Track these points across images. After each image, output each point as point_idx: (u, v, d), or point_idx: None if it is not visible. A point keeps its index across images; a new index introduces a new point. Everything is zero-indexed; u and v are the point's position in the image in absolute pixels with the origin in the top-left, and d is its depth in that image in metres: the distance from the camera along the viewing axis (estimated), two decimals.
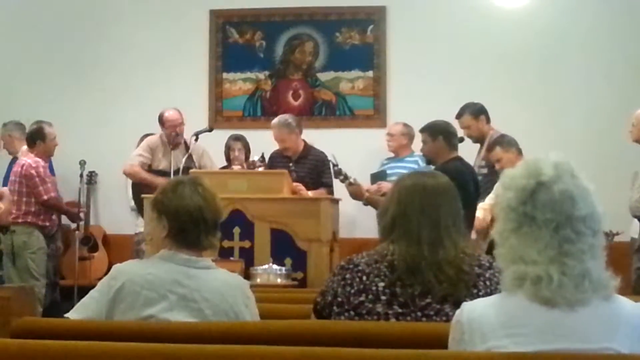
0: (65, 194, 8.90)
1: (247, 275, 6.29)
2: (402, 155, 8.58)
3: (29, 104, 9.33)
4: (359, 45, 9.57)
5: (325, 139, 8.70)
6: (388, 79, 9.47)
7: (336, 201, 7.52)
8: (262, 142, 8.08)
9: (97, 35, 9.77)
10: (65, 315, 3.38)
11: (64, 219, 8.76)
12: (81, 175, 9.06)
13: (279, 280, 6.52)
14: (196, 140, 8.12)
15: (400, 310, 3.10)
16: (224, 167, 8.57)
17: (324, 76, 9.61)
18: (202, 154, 8.35)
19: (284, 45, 9.68)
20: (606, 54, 9.05)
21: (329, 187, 7.84)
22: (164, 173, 7.97)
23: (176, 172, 7.82)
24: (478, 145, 8.05)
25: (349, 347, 2.59)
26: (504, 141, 7.28)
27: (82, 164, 9.18)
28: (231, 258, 6.70)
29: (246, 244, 6.88)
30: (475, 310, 2.43)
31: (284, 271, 6.59)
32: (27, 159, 7.94)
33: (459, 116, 7.97)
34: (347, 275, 3.20)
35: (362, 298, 3.14)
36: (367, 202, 7.27)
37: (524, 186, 2.39)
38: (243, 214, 6.89)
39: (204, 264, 3.45)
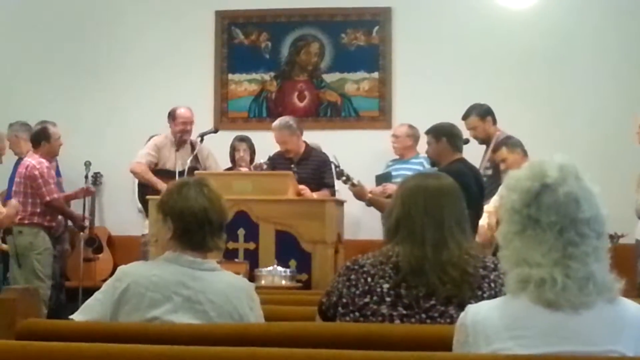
0: None
1: (251, 277, 6.29)
2: (407, 156, 8.57)
3: (33, 105, 9.34)
4: (365, 46, 9.57)
5: (330, 140, 8.71)
6: (393, 80, 9.47)
7: (341, 203, 7.51)
8: (267, 143, 8.08)
9: (102, 36, 9.78)
10: (70, 317, 3.38)
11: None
12: (86, 177, 9.06)
13: (283, 282, 6.51)
14: (201, 141, 8.14)
15: (404, 312, 3.10)
16: (228, 168, 8.58)
17: (329, 77, 9.61)
18: (208, 155, 8.38)
19: (290, 46, 9.69)
20: (612, 55, 9.04)
21: (331, 188, 7.84)
22: (169, 172, 7.98)
23: (181, 172, 7.83)
24: (484, 146, 8.04)
25: (353, 349, 2.59)
26: (509, 142, 7.28)
27: (87, 165, 9.19)
28: (236, 260, 6.69)
29: (251, 245, 6.88)
30: (479, 313, 2.42)
31: (288, 273, 6.58)
32: (31, 159, 7.93)
33: (465, 117, 7.97)
34: (352, 276, 3.21)
35: (367, 299, 3.14)
36: (370, 203, 7.28)
37: (528, 188, 2.39)
38: (248, 216, 6.89)
39: (209, 265, 3.45)
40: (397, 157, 8.69)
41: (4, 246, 7.95)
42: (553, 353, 2.30)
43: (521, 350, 2.32)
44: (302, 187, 7.42)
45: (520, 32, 9.19)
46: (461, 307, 2.72)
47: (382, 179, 8.32)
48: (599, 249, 2.37)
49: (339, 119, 9.57)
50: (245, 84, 9.72)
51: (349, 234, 7.97)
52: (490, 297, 2.96)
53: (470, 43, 9.24)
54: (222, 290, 3.37)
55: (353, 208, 7.96)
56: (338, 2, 9.54)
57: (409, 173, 6.53)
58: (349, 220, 7.87)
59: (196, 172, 7.47)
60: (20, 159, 8.43)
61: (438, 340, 2.71)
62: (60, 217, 8.25)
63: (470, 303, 2.62)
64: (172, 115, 8.34)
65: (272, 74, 9.69)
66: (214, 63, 9.72)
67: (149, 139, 8.55)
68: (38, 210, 7.89)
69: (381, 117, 9.48)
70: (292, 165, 7.84)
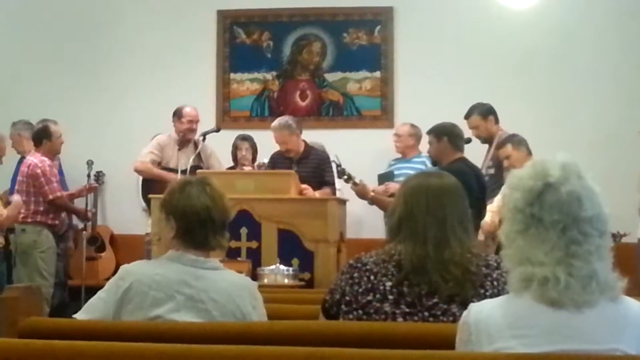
0: None
1: (254, 276, 6.29)
2: (409, 156, 8.57)
3: (35, 104, 9.34)
4: (367, 45, 9.57)
5: (332, 140, 8.72)
6: (395, 80, 9.47)
7: (343, 202, 7.51)
8: (269, 142, 8.08)
9: (103, 36, 9.79)
10: (73, 316, 3.38)
11: (75, 219, 8.79)
12: (88, 175, 9.06)
13: (286, 281, 6.51)
14: (203, 140, 8.15)
15: (407, 310, 3.10)
16: (231, 168, 8.58)
17: (331, 77, 9.61)
18: (210, 155, 8.39)
19: (292, 45, 9.69)
20: (613, 55, 9.03)
21: (332, 186, 7.84)
22: (173, 171, 7.99)
23: (184, 171, 7.84)
24: (486, 146, 8.05)
25: (355, 347, 2.59)
26: (515, 139, 7.28)
27: (90, 163, 9.18)
28: (238, 258, 6.69)
29: (253, 244, 6.88)
30: (482, 311, 2.43)
31: (291, 272, 6.58)
32: (33, 158, 7.94)
33: (467, 116, 7.97)
34: (355, 274, 3.21)
35: (370, 297, 3.14)
36: (372, 202, 7.28)
37: (531, 187, 2.39)
38: (250, 215, 6.89)
39: (212, 264, 3.45)
40: (399, 156, 8.69)
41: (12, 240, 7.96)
42: (556, 352, 2.30)
43: (524, 349, 2.32)
44: (304, 186, 7.43)
45: (522, 31, 9.19)
46: (464, 305, 2.72)
47: (384, 178, 8.31)
48: (601, 247, 2.37)
49: (341, 119, 9.57)
50: (247, 83, 9.72)
51: (352, 232, 7.97)
52: (492, 296, 2.96)
53: (472, 42, 9.23)
54: (225, 289, 3.37)
55: (355, 207, 7.96)
56: (340, 2, 9.55)
57: (411, 172, 6.52)
58: (351, 219, 7.87)
59: (199, 171, 7.48)
60: (22, 158, 8.44)
61: (440, 338, 2.71)
62: (63, 215, 8.25)
63: (473, 301, 2.62)
64: (177, 114, 8.35)
65: (274, 73, 9.69)
66: (216, 62, 9.72)
67: (153, 138, 8.56)
68: (41, 208, 7.90)
69: (383, 116, 9.48)
70: (292, 165, 7.85)
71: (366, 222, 8.81)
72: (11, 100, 9.65)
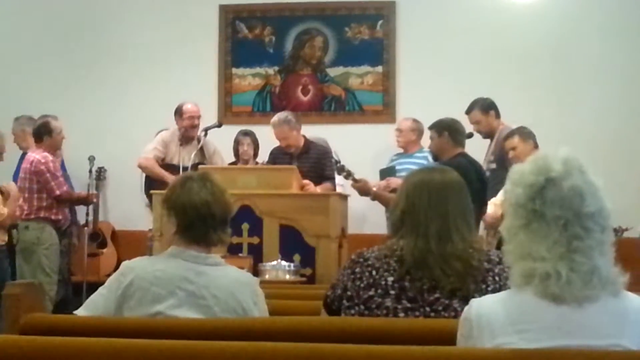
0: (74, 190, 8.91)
1: (255, 272, 6.29)
2: (411, 150, 8.57)
3: (37, 100, 9.34)
4: (369, 40, 9.57)
5: (334, 135, 8.72)
6: (397, 74, 9.46)
7: (345, 197, 7.51)
8: (271, 137, 8.07)
9: (105, 31, 9.78)
10: (74, 312, 3.38)
11: (77, 215, 8.78)
12: (90, 171, 9.06)
13: (287, 277, 6.50)
14: (205, 135, 8.16)
15: (409, 305, 3.09)
16: (232, 163, 8.58)
17: (333, 71, 9.61)
18: (214, 152, 8.41)
19: (294, 40, 9.69)
20: (617, 50, 9.03)
21: (332, 180, 7.84)
22: (176, 168, 8.00)
23: (186, 168, 7.83)
24: (487, 140, 8.04)
25: (357, 343, 2.58)
26: (523, 131, 7.28)
27: (92, 159, 9.20)
28: (240, 254, 6.70)
29: (255, 240, 6.88)
30: (483, 307, 2.42)
31: (292, 267, 6.57)
32: (36, 154, 7.93)
33: (468, 111, 7.97)
34: (357, 269, 3.21)
35: (372, 292, 3.14)
36: (375, 198, 7.27)
37: (532, 182, 2.39)
38: (252, 210, 6.89)
39: (213, 260, 3.45)
40: (401, 151, 8.69)
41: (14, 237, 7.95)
42: (557, 347, 2.30)
43: (525, 345, 2.31)
44: (306, 181, 7.42)
45: (524, 26, 9.18)
46: (465, 300, 2.72)
47: (386, 173, 8.31)
48: (603, 242, 2.37)
49: (342, 113, 9.57)
50: (249, 78, 9.72)
51: (354, 228, 7.96)
52: (494, 291, 2.96)
53: (474, 37, 9.23)
54: (226, 285, 3.37)
55: (357, 202, 7.95)
56: None
57: (413, 167, 6.54)
58: (353, 214, 7.87)
59: (200, 166, 7.48)
60: (24, 154, 8.43)
61: (442, 334, 2.71)
62: (66, 210, 8.24)
63: (475, 297, 2.62)
64: (178, 112, 8.36)
65: (276, 68, 9.69)
66: (218, 57, 9.73)
67: (157, 134, 8.56)
68: (44, 204, 7.89)
69: (385, 111, 9.48)
70: (292, 160, 7.84)
71: (368, 217, 8.81)
72: (12, 96, 9.65)
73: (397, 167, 8.29)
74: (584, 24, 9.13)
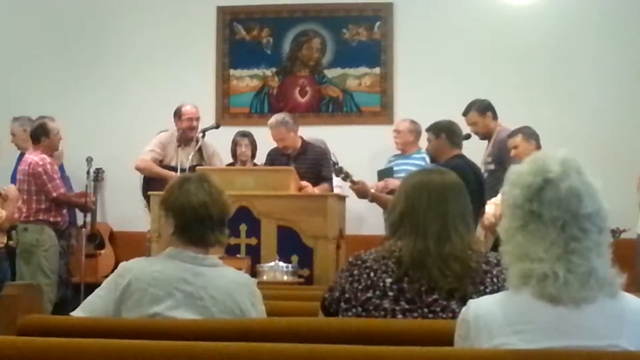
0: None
1: (253, 273, 6.29)
2: (409, 152, 8.57)
3: (34, 101, 9.35)
4: (366, 41, 9.58)
5: (332, 136, 8.73)
6: (395, 76, 9.47)
7: (343, 198, 7.51)
8: (269, 139, 8.07)
9: (103, 32, 9.79)
10: (71, 313, 3.37)
11: (75, 217, 8.77)
12: (88, 172, 9.06)
13: (285, 278, 6.51)
14: (203, 136, 8.15)
15: (407, 307, 3.09)
16: (230, 164, 8.58)
17: (331, 73, 9.61)
18: (213, 153, 8.41)
19: (291, 41, 9.69)
20: (614, 51, 9.04)
21: (330, 180, 7.85)
22: (174, 169, 7.99)
23: (184, 169, 7.83)
24: (485, 142, 8.04)
25: (355, 344, 2.58)
26: (527, 131, 7.29)
27: (89, 160, 9.18)
28: (237, 255, 6.70)
29: (252, 241, 6.88)
30: (481, 308, 2.42)
31: (290, 268, 6.58)
32: (33, 156, 7.92)
33: (465, 113, 7.97)
34: (355, 272, 3.20)
35: (370, 294, 3.14)
36: (373, 200, 7.27)
37: (530, 183, 2.39)
38: (249, 211, 6.89)
39: (211, 261, 3.45)
40: (399, 152, 8.69)
41: (11, 242, 7.94)
42: (555, 348, 2.30)
43: (523, 345, 2.31)
44: (304, 183, 7.42)
45: (522, 27, 9.19)
46: (463, 301, 2.72)
47: (383, 174, 8.31)
48: (600, 244, 2.37)
49: (340, 115, 9.58)
50: (246, 80, 9.72)
51: (351, 229, 7.96)
52: (492, 293, 2.96)
53: (471, 38, 9.23)
54: (224, 286, 3.37)
55: (355, 203, 7.95)
56: None
57: (411, 168, 6.56)
58: (351, 215, 7.87)
59: (198, 167, 7.49)
60: (22, 154, 8.42)
61: (440, 335, 2.71)
62: (64, 211, 8.23)
63: (473, 298, 2.62)
64: (177, 113, 8.36)
65: (274, 69, 9.70)
66: (216, 59, 9.73)
67: (157, 135, 8.56)
68: (43, 206, 7.89)
69: (383, 112, 9.48)
70: (290, 161, 7.85)
71: (366, 218, 8.81)
72: (9, 97, 9.64)
73: (395, 168, 8.29)
74: (582, 24, 9.14)
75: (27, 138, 8.55)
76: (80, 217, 8.95)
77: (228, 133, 8.71)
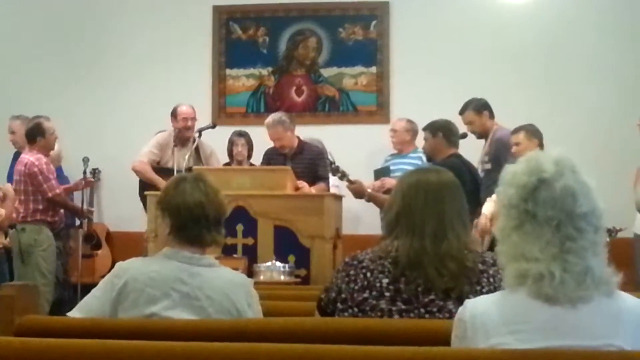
0: None
1: (250, 273, 6.30)
2: (405, 151, 8.57)
3: (31, 101, 9.32)
4: (363, 41, 9.57)
5: (328, 135, 8.74)
6: (391, 75, 9.47)
7: (339, 198, 7.51)
8: (265, 138, 8.07)
9: (100, 32, 9.78)
10: (68, 314, 3.37)
11: (74, 217, 8.77)
12: (84, 172, 9.05)
13: (282, 278, 6.51)
14: (199, 136, 8.14)
15: (403, 307, 3.09)
16: (226, 164, 8.58)
17: (327, 72, 9.61)
18: (211, 154, 8.41)
19: (287, 41, 9.69)
20: (611, 49, 9.04)
21: (326, 180, 7.85)
22: (171, 171, 7.98)
23: (181, 170, 7.82)
24: (482, 141, 8.04)
25: (352, 344, 2.58)
26: (531, 129, 7.30)
27: (86, 160, 9.18)
28: (234, 255, 6.69)
29: (249, 241, 6.87)
30: (478, 308, 2.42)
31: (287, 268, 6.58)
32: (29, 156, 7.90)
33: (462, 112, 7.96)
34: (351, 272, 3.20)
35: (366, 294, 3.14)
36: (369, 199, 7.27)
37: (525, 183, 2.39)
38: (246, 211, 6.88)
39: (207, 261, 3.45)
40: (396, 151, 8.69)
41: (5, 241, 7.93)
42: (551, 347, 2.30)
43: (520, 345, 2.32)
44: (300, 182, 7.42)
45: (518, 26, 9.19)
46: (460, 301, 2.72)
47: (380, 173, 8.31)
48: (596, 243, 2.37)
49: (336, 114, 9.57)
50: (243, 79, 9.72)
51: (348, 228, 7.96)
52: (489, 292, 2.96)
53: (468, 37, 9.24)
54: (220, 287, 3.37)
55: (352, 203, 7.95)
56: None
57: (408, 167, 6.56)
58: (347, 215, 7.87)
59: (194, 167, 7.48)
60: (18, 153, 8.40)
61: (437, 335, 2.71)
62: (62, 211, 8.23)
63: (469, 298, 2.62)
64: (173, 114, 8.37)
65: (270, 68, 9.69)
66: (212, 58, 9.72)
67: (155, 135, 8.55)
68: (40, 207, 7.88)
69: (379, 111, 9.48)
70: (287, 161, 7.84)
71: (362, 218, 8.81)
72: (12, 96, 9.63)
73: (392, 168, 8.29)
74: (578, 23, 9.14)
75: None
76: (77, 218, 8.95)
77: (224, 133, 8.70)
